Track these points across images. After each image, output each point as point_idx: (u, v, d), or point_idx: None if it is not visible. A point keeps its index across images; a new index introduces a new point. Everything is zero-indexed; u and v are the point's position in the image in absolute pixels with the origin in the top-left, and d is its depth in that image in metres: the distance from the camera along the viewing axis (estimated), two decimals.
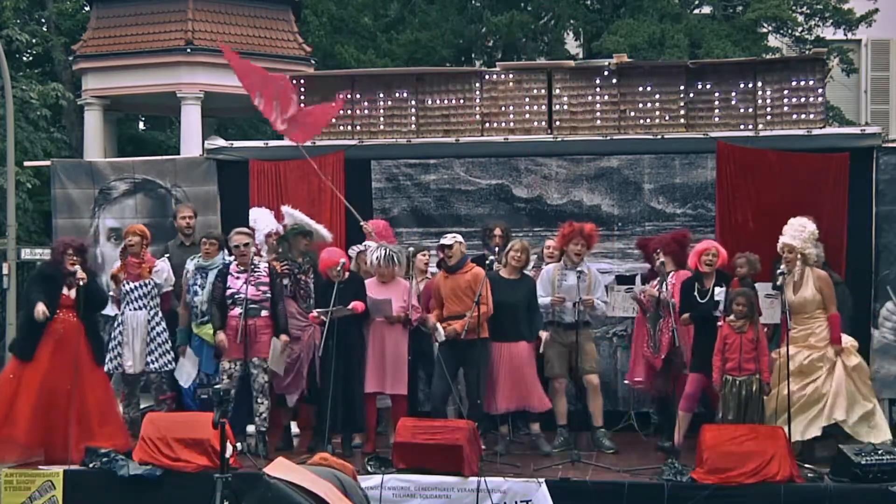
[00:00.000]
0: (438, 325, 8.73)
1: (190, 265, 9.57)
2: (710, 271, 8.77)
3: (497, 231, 9.63)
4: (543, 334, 8.99)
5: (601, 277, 9.33)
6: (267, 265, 9.00)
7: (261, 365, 8.81)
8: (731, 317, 8.32)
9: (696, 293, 8.74)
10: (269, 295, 8.86)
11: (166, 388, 9.55)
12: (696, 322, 8.66)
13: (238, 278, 8.90)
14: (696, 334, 8.69)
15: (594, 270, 9.28)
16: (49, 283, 8.81)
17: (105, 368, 9.16)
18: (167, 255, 9.82)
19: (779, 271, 8.49)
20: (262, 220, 9.57)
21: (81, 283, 8.71)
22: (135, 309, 9.34)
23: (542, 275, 9.20)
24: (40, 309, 8.59)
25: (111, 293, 9.55)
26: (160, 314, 9.42)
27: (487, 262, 9.25)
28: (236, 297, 8.84)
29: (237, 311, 8.82)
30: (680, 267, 9.13)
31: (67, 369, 8.62)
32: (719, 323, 8.47)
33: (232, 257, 9.10)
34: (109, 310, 9.79)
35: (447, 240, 8.92)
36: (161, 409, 9.34)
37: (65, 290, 8.78)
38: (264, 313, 8.84)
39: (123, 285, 9.34)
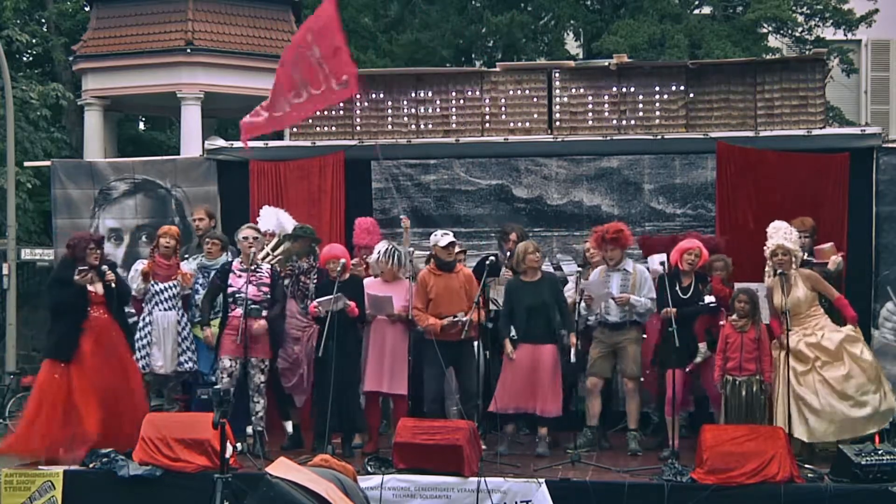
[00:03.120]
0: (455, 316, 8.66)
1: (193, 264, 9.56)
2: (690, 270, 8.77)
3: (513, 236, 9.57)
4: (573, 339, 8.79)
5: (648, 275, 9.12)
6: (270, 267, 9.00)
7: (258, 365, 8.81)
8: (734, 316, 8.31)
9: (677, 289, 8.70)
10: (269, 296, 8.86)
11: (180, 389, 9.55)
12: (679, 320, 8.51)
13: (240, 277, 8.89)
14: (678, 329, 8.48)
15: (640, 268, 9.13)
16: (69, 286, 8.67)
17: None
18: (186, 256, 9.82)
19: (779, 272, 8.49)
20: (265, 219, 9.58)
21: (112, 284, 8.70)
22: (165, 309, 9.29)
23: (590, 279, 9.11)
24: (79, 277, 8.53)
25: (133, 293, 9.48)
26: (185, 316, 9.41)
27: (488, 262, 9.25)
28: (237, 295, 8.84)
29: (238, 311, 8.80)
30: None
31: (113, 366, 8.65)
32: (721, 322, 8.45)
33: (238, 258, 9.11)
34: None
35: (450, 238, 8.89)
36: (173, 408, 9.34)
37: (91, 287, 8.69)
38: (265, 314, 8.84)
39: (153, 286, 9.32)
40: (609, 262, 9.02)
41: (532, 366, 8.74)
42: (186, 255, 9.81)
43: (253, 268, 8.89)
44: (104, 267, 8.76)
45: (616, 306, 8.90)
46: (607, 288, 8.87)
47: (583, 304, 8.88)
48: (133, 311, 9.52)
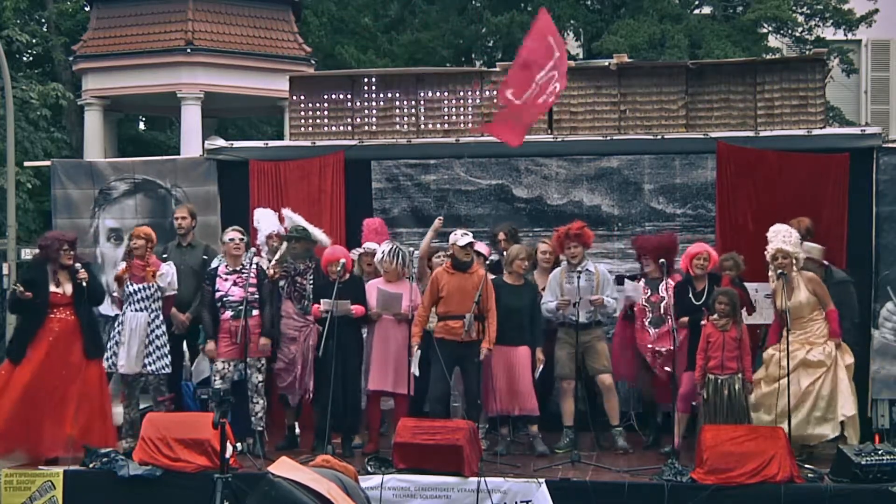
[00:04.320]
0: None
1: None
2: (702, 274, 8.80)
3: (501, 236, 9.61)
4: (540, 356, 8.90)
5: (609, 276, 9.29)
6: (256, 266, 9.00)
7: (255, 364, 8.82)
8: (715, 316, 8.35)
9: (690, 296, 8.78)
10: (257, 296, 8.88)
11: (164, 389, 9.53)
12: (693, 324, 8.67)
13: (226, 280, 8.94)
14: (691, 335, 8.70)
15: (602, 269, 9.24)
16: (35, 287, 8.69)
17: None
18: (165, 255, 9.82)
19: (779, 272, 8.49)
20: (265, 220, 9.58)
21: (84, 282, 8.71)
22: (136, 310, 9.28)
23: (549, 279, 9.18)
24: (18, 291, 8.56)
25: (114, 294, 9.53)
26: (161, 317, 9.39)
27: (488, 262, 9.25)
28: (225, 299, 8.88)
29: (228, 313, 8.87)
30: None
31: (58, 368, 8.63)
32: (703, 322, 8.50)
33: (256, 258, 9.13)
34: (110, 310, 9.78)
35: (470, 238, 8.88)
36: (159, 410, 9.34)
37: (56, 288, 8.71)
38: (255, 313, 8.87)
39: (127, 287, 9.33)
40: (571, 260, 9.05)
41: (508, 369, 8.81)
42: (165, 255, 9.80)
43: (238, 268, 8.93)
44: (77, 265, 8.75)
45: (585, 307, 8.91)
46: (586, 292, 8.89)
47: (557, 307, 8.96)
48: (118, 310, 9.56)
